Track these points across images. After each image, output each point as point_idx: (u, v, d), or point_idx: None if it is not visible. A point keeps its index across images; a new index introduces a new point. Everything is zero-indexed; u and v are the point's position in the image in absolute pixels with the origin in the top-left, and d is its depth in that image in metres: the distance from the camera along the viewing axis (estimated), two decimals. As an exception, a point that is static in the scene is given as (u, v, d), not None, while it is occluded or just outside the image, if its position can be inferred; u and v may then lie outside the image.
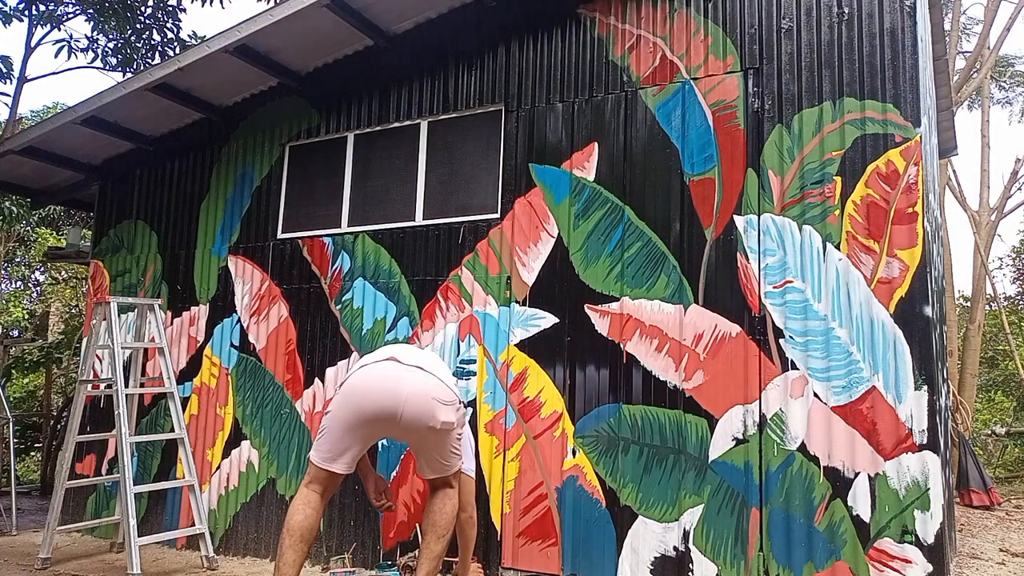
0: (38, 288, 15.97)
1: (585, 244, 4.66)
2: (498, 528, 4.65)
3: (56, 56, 10.12)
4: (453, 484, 3.90)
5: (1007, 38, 13.07)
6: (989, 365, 14.90)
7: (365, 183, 5.59)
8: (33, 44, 10.38)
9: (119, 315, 5.60)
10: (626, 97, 4.71)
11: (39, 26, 10.18)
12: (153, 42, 10.34)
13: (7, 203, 9.37)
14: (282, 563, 3.53)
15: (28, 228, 13.38)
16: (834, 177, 4.06)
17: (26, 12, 9.90)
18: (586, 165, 4.75)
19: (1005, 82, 16.32)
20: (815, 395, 3.93)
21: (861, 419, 3.82)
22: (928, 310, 3.80)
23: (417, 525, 4.87)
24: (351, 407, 3.62)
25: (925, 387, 3.73)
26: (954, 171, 12.92)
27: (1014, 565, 5.52)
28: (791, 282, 4.08)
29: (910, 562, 3.64)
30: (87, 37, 10.28)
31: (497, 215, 5.00)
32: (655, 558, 4.20)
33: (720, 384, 4.17)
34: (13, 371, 10.74)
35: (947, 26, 10.65)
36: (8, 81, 9.89)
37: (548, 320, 4.70)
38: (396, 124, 5.53)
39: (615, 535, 4.32)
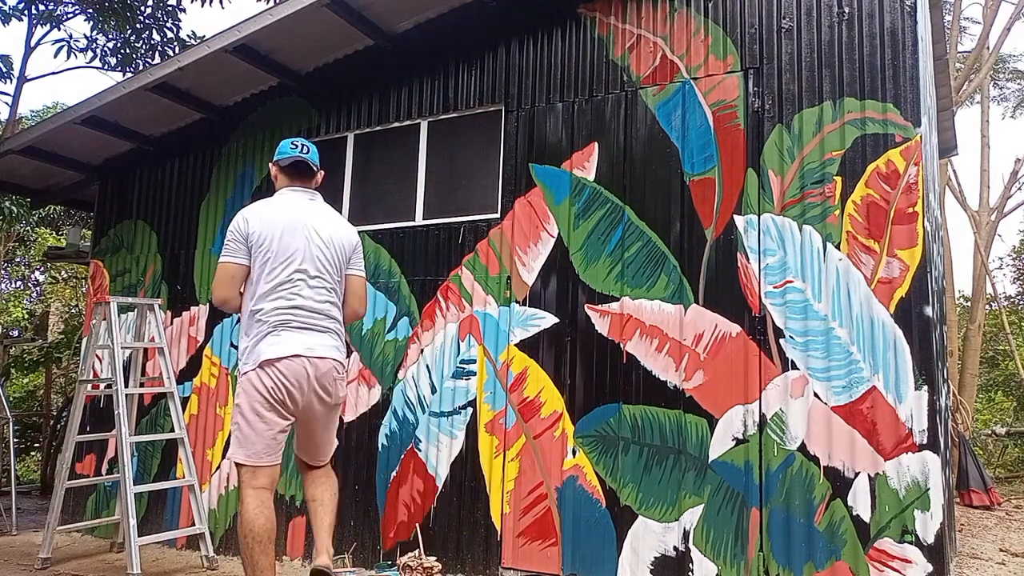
0: (38, 288, 15.97)
1: (585, 244, 4.66)
2: (498, 528, 4.65)
3: (56, 56, 10.12)
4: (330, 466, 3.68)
5: (1007, 38, 13.07)
6: (989, 365, 14.90)
7: (365, 183, 5.59)
8: (33, 44, 10.38)
9: (119, 315, 5.59)
10: (626, 97, 4.71)
11: (39, 26, 10.18)
12: (153, 42, 10.34)
13: (7, 203, 9.37)
14: (259, 570, 3.22)
15: (28, 228, 13.37)
16: (834, 177, 4.06)
17: (26, 11, 9.90)
18: (586, 165, 4.75)
19: (1000, 79, 16.33)
20: (815, 395, 3.93)
21: (861, 419, 3.82)
22: (928, 310, 3.79)
23: (417, 525, 4.87)
24: (268, 402, 3.30)
25: (925, 387, 3.73)
26: (954, 171, 12.93)
27: (1014, 565, 5.52)
28: (791, 282, 4.08)
29: (910, 562, 3.64)
30: (87, 37, 10.28)
31: (497, 215, 4.99)
32: (655, 558, 4.20)
33: (720, 384, 4.17)
34: (13, 371, 10.74)
35: (947, 26, 10.64)
36: (8, 80, 9.90)
37: (548, 320, 4.70)
38: (396, 124, 5.53)
39: (615, 535, 4.32)
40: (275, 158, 3.56)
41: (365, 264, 3.71)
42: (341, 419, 5.27)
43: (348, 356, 5.36)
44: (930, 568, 3.59)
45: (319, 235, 3.39)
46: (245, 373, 3.32)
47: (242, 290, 3.40)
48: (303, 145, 3.53)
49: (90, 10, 9.92)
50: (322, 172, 3.63)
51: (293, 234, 3.33)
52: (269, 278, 3.30)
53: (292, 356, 3.25)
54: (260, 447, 3.35)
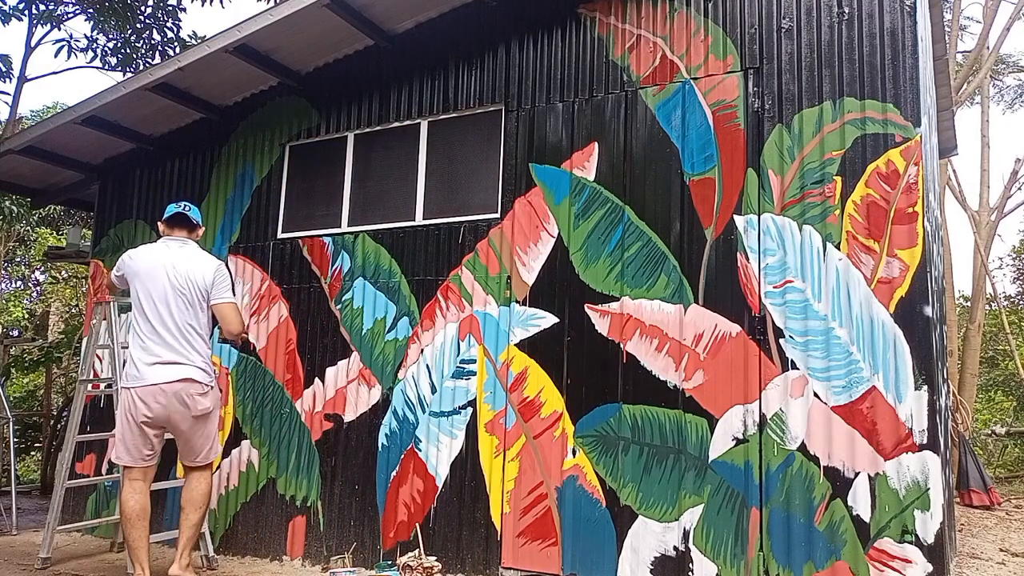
0: (38, 288, 15.98)
1: (585, 244, 4.66)
2: (498, 528, 4.65)
3: (56, 56, 10.12)
4: (209, 467, 4.48)
5: (1007, 38, 13.07)
6: (989, 365, 14.91)
7: (365, 183, 5.59)
8: (33, 44, 10.38)
9: (119, 315, 5.59)
10: (626, 97, 4.71)
11: (39, 25, 10.18)
12: (153, 42, 10.34)
13: (7, 203, 9.38)
14: (130, 540, 4.17)
15: (28, 228, 13.38)
16: (834, 177, 4.06)
17: (26, 11, 9.90)
18: (586, 165, 4.75)
19: (999, 76, 16.33)
20: (815, 395, 3.94)
21: (861, 419, 3.82)
22: (928, 310, 3.80)
23: (417, 525, 4.88)
24: (135, 420, 4.17)
25: (925, 387, 3.73)
26: (954, 171, 12.93)
27: (1014, 565, 5.52)
28: (791, 282, 4.08)
29: (910, 562, 3.64)
30: (87, 37, 10.28)
31: (497, 215, 4.99)
32: (655, 558, 4.20)
33: (720, 384, 4.17)
34: (13, 370, 10.74)
35: (947, 26, 10.64)
36: (8, 80, 9.89)
37: (548, 320, 4.70)
38: (396, 124, 5.53)
39: (615, 535, 4.32)
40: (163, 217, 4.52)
41: (365, 264, 3.83)
42: (342, 419, 5.29)
43: (355, 362, 5.37)
44: (930, 568, 3.60)
45: (177, 274, 4.26)
46: (123, 388, 4.27)
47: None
48: (186, 205, 4.51)
49: (90, 10, 9.92)
50: (202, 228, 4.63)
51: (156, 274, 4.25)
52: (138, 307, 4.26)
53: (149, 385, 4.12)
54: (123, 450, 4.22)
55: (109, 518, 5.86)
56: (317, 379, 5.47)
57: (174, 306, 4.22)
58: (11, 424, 7.64)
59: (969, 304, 13.02)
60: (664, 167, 4.52)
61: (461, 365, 4.94)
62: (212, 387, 4.32)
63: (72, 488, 5.74)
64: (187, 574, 4.26)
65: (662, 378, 4.33)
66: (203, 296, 4.32)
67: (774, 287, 4.12)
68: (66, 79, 14.18)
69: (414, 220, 5.30)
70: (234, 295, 4.45)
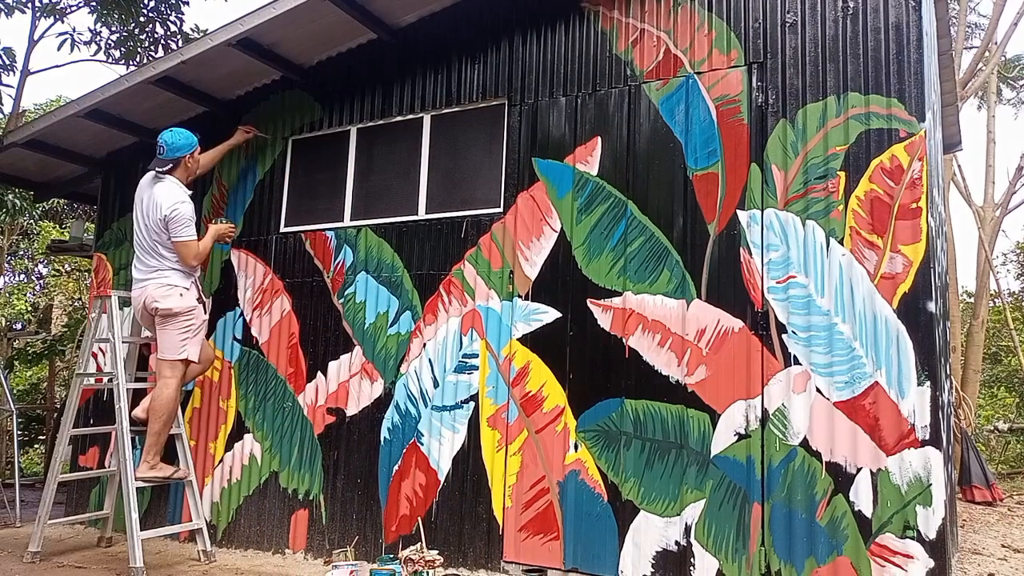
0: (41, 281, 16.01)
1: (588, 238, 4.65)
2: (500, 522, 4.66)
3: (59, 49, 10.10)
4: (169, 375, 5.02)
5: (1013, 34, 13.02)
6: (992, 361, 14.90)
7: (368, 177, 5.59)
8: (36, 37, 10.37)
9: (120, 308, 5.60)
10: (629, 91, 4.70)
11: (42, 18, 10.16)
12: (156, 35, 10.32)
13: (10, 196, 9.37)
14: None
15: (31, 221, 13.40)
16: (838, 172, 4.05)
17: (29, 4, 9.89)
18: (589, 159, 4.74)
19: (1014, 80, 16.24)
20: (817, 390, 3.93)
21: (864, 414, 3.82)
22: (931, 305, 3.79)
23: (419, 519, 4.89)
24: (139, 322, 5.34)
25: (928, 383, 3.72)
26: (959, 166, 12.90)
27: (1015, 561, 5.52)
28: (794, 277, 4.07)
29: (912, 557, 3.64)
30: (90, 30, 10.25)
31: (500, 209, 4.99)
32: (656, 552, 4.20)
33: (722, 379, 4.17)
34: (16, 363, 10.77)
35: (953, 20, 10.59)
36: (11, 73, 9.87)
37: (551, 314, 4.70)
38: (399, 118, 5.52)
39: (617, 529, 4.32)
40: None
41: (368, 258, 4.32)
42: (344, 412, 5.31)
43: (357, 356, 5.37)
44: (931, 563, 3.60)
45: (143, 206, 5.14)
46: None
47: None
48: (161, 146, 5.18)
49: (93, 3, 9.90)
50: (178, 167, 5.22)
51: (136, 207, 5.24)
52: (135, 232, 5.23)
53: (134, 295, 5.16)
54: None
55: (106, 512, 5.86)
56: (319, 373, 5.47)
57: (142, 232, 5.12)
58: (15, 417, 7.66)
59: (973, 300, 13.00)
60: (667, 162, 4.51)
61: (463, 359, 4.94)
62: (176, 287, 5.03)
63: (77, 480, 5.76)
64: (147, 474, 4.97)
65: (664, 373, 4.32)
66: (161, 226, 5.03)
67: (777, 282, 4.11)
68: (69, 72, 14.28)
69: (417, 214, 5.30)
70: (194, 233, 5.11)
